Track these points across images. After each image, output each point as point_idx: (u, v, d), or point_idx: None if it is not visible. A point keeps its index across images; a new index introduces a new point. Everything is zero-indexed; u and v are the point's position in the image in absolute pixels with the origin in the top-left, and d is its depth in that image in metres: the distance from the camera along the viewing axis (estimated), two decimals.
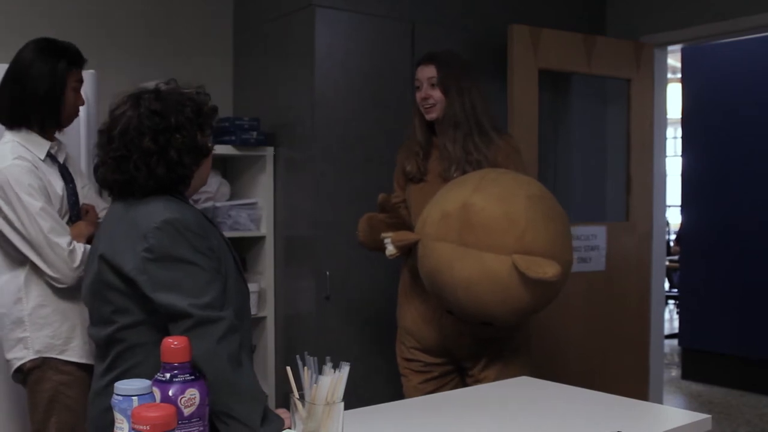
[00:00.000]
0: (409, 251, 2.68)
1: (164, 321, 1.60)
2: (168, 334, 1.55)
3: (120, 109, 1.72)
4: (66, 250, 2.23)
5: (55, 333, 2.29)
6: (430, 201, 2.61)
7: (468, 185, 2.52)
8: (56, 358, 2.29)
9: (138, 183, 1.67)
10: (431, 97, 2.72)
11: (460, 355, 2.77)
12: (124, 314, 1.66)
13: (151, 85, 1.76)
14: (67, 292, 2.30)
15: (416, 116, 2.81)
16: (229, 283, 1.70)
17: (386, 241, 2.65)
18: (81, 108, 2.49)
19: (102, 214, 2.49)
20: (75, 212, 2.41)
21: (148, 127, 1.67)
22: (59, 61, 2.34)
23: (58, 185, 2.35)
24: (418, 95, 2.76)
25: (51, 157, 2.38)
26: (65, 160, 2.45)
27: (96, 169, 1.76)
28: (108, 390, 1.65)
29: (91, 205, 2.48)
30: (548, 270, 2.31)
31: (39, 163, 2.30)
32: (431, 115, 2.75)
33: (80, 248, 2.26)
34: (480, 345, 2.72)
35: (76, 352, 2.32)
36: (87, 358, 2.33)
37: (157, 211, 1.63)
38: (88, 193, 2.53)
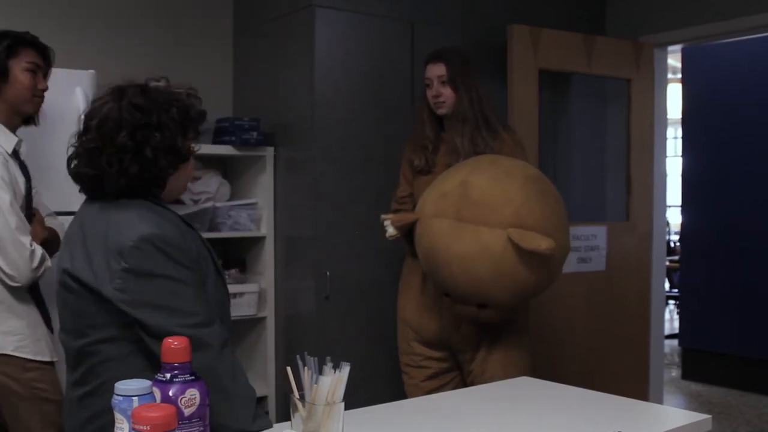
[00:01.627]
0: (409, 233, 2.70)
1: (140, 335, 1.54)
2: (145, 345, 1.53)
3: (102, 99, 1.63)
4: (28, 249, 2.22)
5: (9, 330, 2.27)
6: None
7: (466, 167, 2.59)
8: (16, 356, 2.27)
9: (109, 180, 1.57)
10: (442, 94, 2.80)
11: (459, 346, 2.78)
12: (98, 329, 1.57)
13: (141, 80, 1.69)
14: (17, 291, 2.29)
15: (425, 112, 2.88)
16: (207, 286, 1.63)
17: (386, 223, 2.70)
18: (79, 107, 2.49)
19: (48, 221, 2.48)
20: (29, 212, 2.38)
21: (128, 121, 1.57)
22: (4, 35, 2.35)
23: (21, 182, 2.33)
24: (429, 93, 2.83)
25: (15, 152, 2.36)
26: (24, 157, 2.45)
27: (69, 161, 1.65)
28: (84, 403, 1.60)
29: (36, 209, 2.46)
30: (541, 243, 2.35)
31: (7, 156, 2.29)
32: (442, 111, 2.83)
33: (39, 250, 2.26)
34: (478, 332, 2.73)
35: (31, 349, 2.30)
36: (44, 355, 2.33)
37: (131, 226, 1.54)
38: (36, 197, 2.50)
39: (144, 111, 1.59)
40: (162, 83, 1.74)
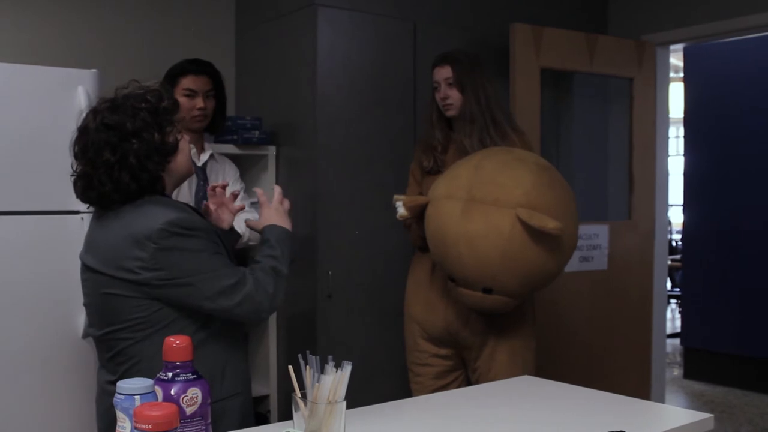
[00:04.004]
0: (419, 220, 2.72)
1: (182, 308, 1.69)
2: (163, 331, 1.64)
3: (82, 123, 1.75)
4: None
5: None
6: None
7: (478, 154, 2.64)
8: None
9: (109, 196, 1.70)
10: (450, 96, 2.84)
11: (466, 342, 2.78)
12: (120, 318, 1.70)
13: (111, 93, 1.78)
14: None
15: (434, 113, 2.91)
16: None
17: (398, 203, 2.71)
18: (81, 107, 2.53)
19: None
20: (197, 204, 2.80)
21: (105, 140, 1.69)
22: (169, 73, 2.90)
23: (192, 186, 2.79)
24: (438, 95, 2.87)
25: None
26: (206, 162, 2.93)
27: (74, 185, 1.77)
28: (110, 389, 1.69)
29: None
30: (549, 222, 2.37)
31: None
32: (451, 113, 2.86)
33: None
34: (486, 328, 2.73)
35: None
36: None
37: (156, 214, 1.67)
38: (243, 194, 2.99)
39: (116, 127, 1.69)
40: (130, 88, 1.79)
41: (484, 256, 2.44)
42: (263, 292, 1.78)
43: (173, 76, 2.90)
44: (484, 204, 2.44)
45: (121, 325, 1.70)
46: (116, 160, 1.67)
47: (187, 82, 2.89)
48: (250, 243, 2.98)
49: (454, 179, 2.56)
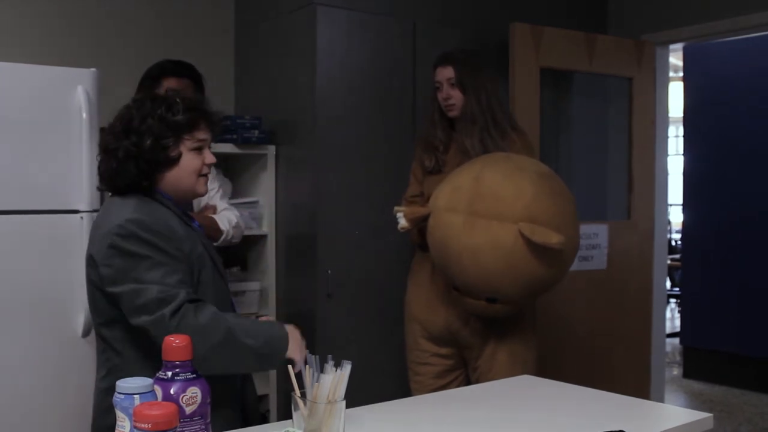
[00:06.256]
0: (420, 231, 2.72)
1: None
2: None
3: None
4: None
5: None
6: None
7: (478, 163, 2.62)
8: None
9: (106, 184, 1.82)
10: (452, 96, 2.84)
11: (467, 341, 2.78)
12: (99, 312, 1.76)
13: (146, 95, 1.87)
14: None
15: (436, 113, 2.92)
16: (203, 288, 1.75)
17: (398, 215, 2.72)
18: (81, 106, 2.60)
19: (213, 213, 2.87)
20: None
21: (104, 143, 1.81)
22: (149, 74, 2.88)
23: None
24: (440, 95, 2.87)
25: None
26: None
27: None
28: (99, 386, 1.77)
29: (209, 205, 2.90)
30: (552, 237, 2.38)
31: None
32: (453, 113, 2.86)
33: None
34: (487, 328, 2.74)
35: None
36: None
37: (123, 210, 1.71)
38: (214, 195, 2.92)
39: (123, 130, 1.76)
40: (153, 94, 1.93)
41: (488, 268, 2.45)
42: (190, 321, 1.62)
43: (155, 77, 2.84)
44: (485, 218, 2.44)
45: (99, 320, 1.75)
46: (111, 150, 1.77)
47: (168, 83, 2.80)
48: (234, 241, 2.95)
49: (454, 190, 2.55)
